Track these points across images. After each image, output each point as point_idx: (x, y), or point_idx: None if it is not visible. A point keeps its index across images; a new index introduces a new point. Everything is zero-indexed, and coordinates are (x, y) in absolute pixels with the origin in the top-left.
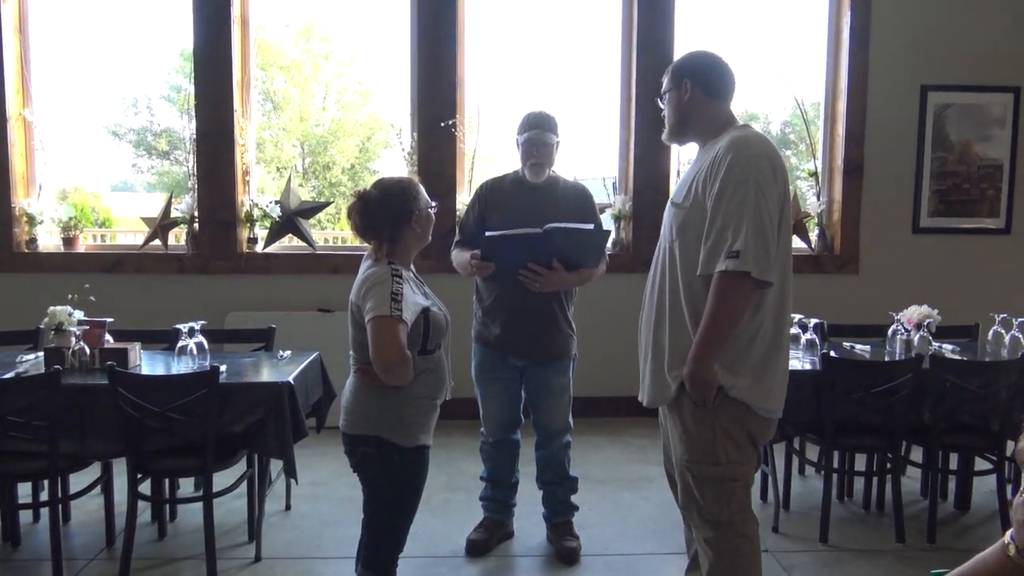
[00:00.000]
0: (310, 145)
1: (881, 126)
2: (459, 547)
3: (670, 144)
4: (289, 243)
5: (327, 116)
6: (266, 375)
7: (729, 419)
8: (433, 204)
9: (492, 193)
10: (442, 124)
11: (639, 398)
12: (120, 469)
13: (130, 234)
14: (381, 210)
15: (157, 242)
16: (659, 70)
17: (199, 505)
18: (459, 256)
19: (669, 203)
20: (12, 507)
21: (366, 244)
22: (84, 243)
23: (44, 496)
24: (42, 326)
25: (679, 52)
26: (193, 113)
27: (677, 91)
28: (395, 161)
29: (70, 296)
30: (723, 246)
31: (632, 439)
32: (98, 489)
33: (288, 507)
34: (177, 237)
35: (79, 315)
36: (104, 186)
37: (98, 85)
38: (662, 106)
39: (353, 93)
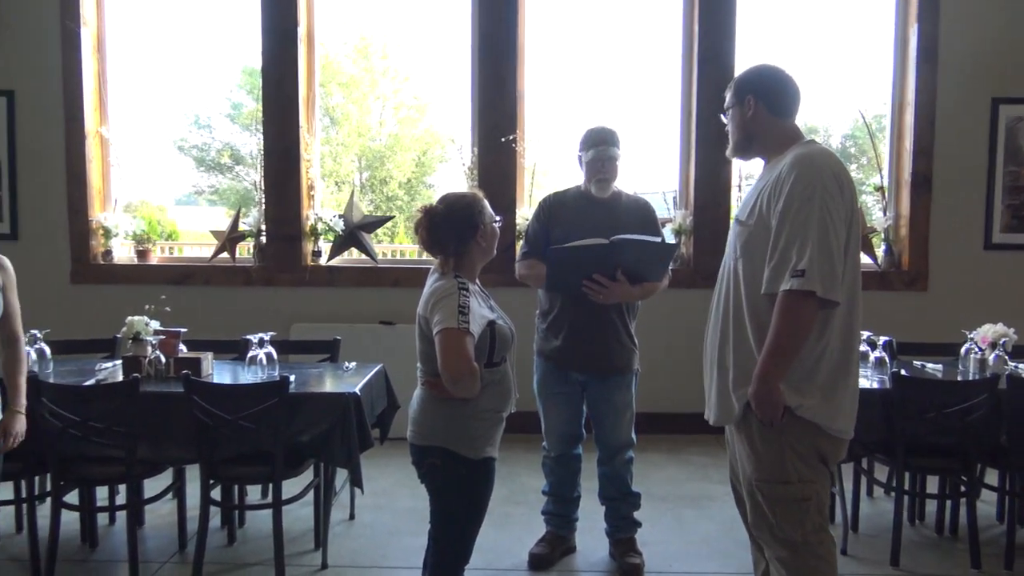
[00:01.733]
0: (367, 159)
1: (950, 139)
2: (521, 561)
3: (734, 159)
4: (351, 256)
5: (384, 131)
6: (333, 386)
7: (797, 438)
8: (498, 219)
9: (555, 207)
10: (503, 139)
11: (705, 416)
12: (191, 475)
13: (196, 247)
14: (447, 225)
15: (225, 255)
16: (720, 84)
17: (266, 512)
18: (527, 268)
19: (734, 220)
20: (91, 510)
21: (427, 258)
22: (155, 256)
23: (119, 500)
24: (119, 335)
25: (740, 66)
26: (260, 129)
27: (740, 107)
28: (451, 175)
29: (147, 307)
30: (787, 265)
31: (692, 457)
32: (169, 494)
33: (352, 516)
34: (242, 250)
35: (155, 325)
36: (169, 200)
37: (163, 101)
38: (725, 121)
39: (410, 108)
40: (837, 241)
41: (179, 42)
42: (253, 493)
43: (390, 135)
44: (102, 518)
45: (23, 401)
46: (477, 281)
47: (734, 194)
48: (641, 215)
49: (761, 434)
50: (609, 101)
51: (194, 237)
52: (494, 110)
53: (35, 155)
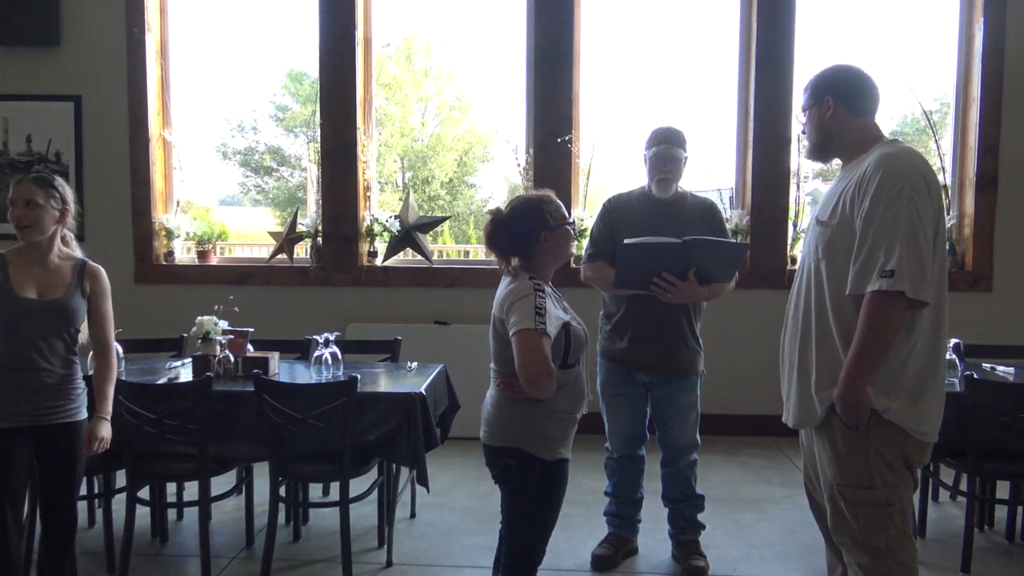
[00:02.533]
0: (410, 160)
1: (1017, 137)
2: (583, 561)
3: (813, 161)
4: (406, 257)
5: (426, 131)
6: (398, 386)
7: (883, 442)
8: (571, 221)
9: (620, 208)
10: (558, 140)
11: (783, 419)
12: (258, 472)
13: (247, 247)
14: (511, 227)
15: (283, 255)
16: (779, 84)
17: (327, 510)
18: (593, 271)
19: (813, 221)
20: (163, 505)
21: (480, 258)
22: (214, 257)
23: (186, 496)
24: (186, 335)
25: (799, 63)
26: (312, 131)
27: (819, 108)
28: (493, 175)
29: (216, 307)
30: (875, 265)
31: (749, 459)
32: (235, 492)
33: (413, 515)
34: (299, 251)
35: (223, 325)
36: (213, 200)
37: (209, 104)
38: (802, 122)
39: (452, 108)
40: (926, 241)
41: (225, 46)
42: (314, 491)
43: (432, 135)
44: (170, 514)
45: (110, 408)
46: (550, 283)
47: (792, 195)
48: (708, 217)
49: (845, 438)
50: (664, 101)
51: (238, 237)
52: (550, 111)
53: (101, 158)
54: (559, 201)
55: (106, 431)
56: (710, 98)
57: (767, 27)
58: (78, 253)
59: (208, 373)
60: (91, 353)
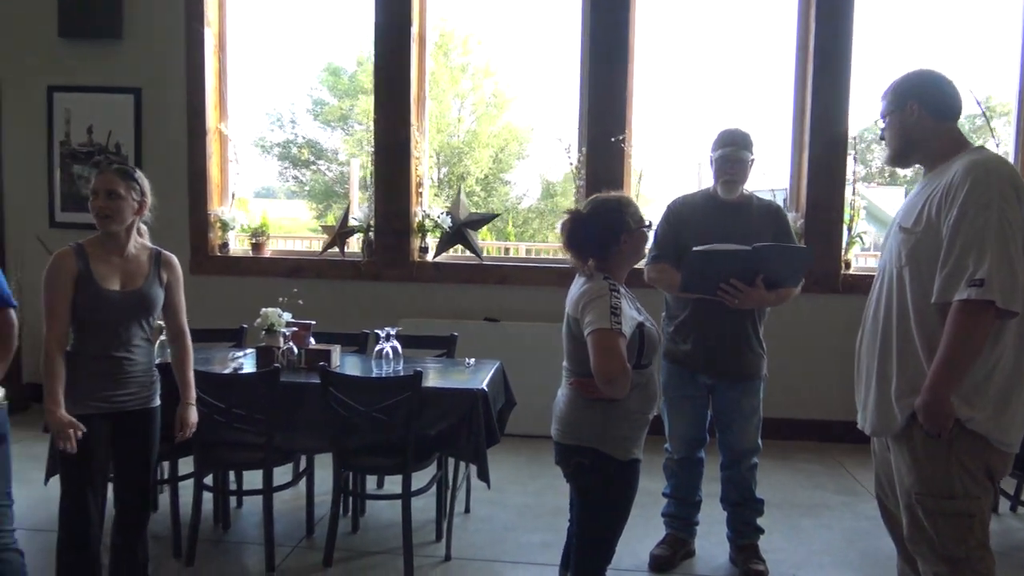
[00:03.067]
0: (445, 156)
1: None
2: (641, 561)
3: (893, 168)
4: (457, 253)
5: (462, 127)
6: (460, 382)
7: (966, 452)
8: (647, 223)
9: (683, 209)
10: (612, 139)
11: (859, 426)
12: (320, 462)
13: (290, 239)
14: (589, 227)
15: (335, 249)
16: (836, 85)
17: (382, 503)
18: (657, 272)
19: (895, 227)
20: (228, 493)
21: (532, 256)
22: (268, 249)
23: (245, 484)
24: (246, 326)
25: (857, 62)
26: (354, 126)
27: (901, 113)
28: (528, 173)
29: (280, 299)
30: (963, 273)
31: (804, 464)
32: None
33: (468, 510)
34: (351, 245)
35: (287, 317)
36: (248, 192)
37: (251, 96)
38: (881, 128)
39: (488, 105)
40: (1017, 249)
41: (267, 40)
42: (369, 483)
43: (468, 132)
44: (231, 501)
45: (193, 394)
46: (623, 284)
47: (847, 198)
48: (774, 220)
49: (926, 447)
50: (718, 100)
51: (274, 229)
52: (604, 109)
53: (159, 150)
54: (636, 203)
55: (195, 416)
56: (766, 98)
57: (825, 26)
58: (149, 243)
59: (277, 365)
60: (159, 340)
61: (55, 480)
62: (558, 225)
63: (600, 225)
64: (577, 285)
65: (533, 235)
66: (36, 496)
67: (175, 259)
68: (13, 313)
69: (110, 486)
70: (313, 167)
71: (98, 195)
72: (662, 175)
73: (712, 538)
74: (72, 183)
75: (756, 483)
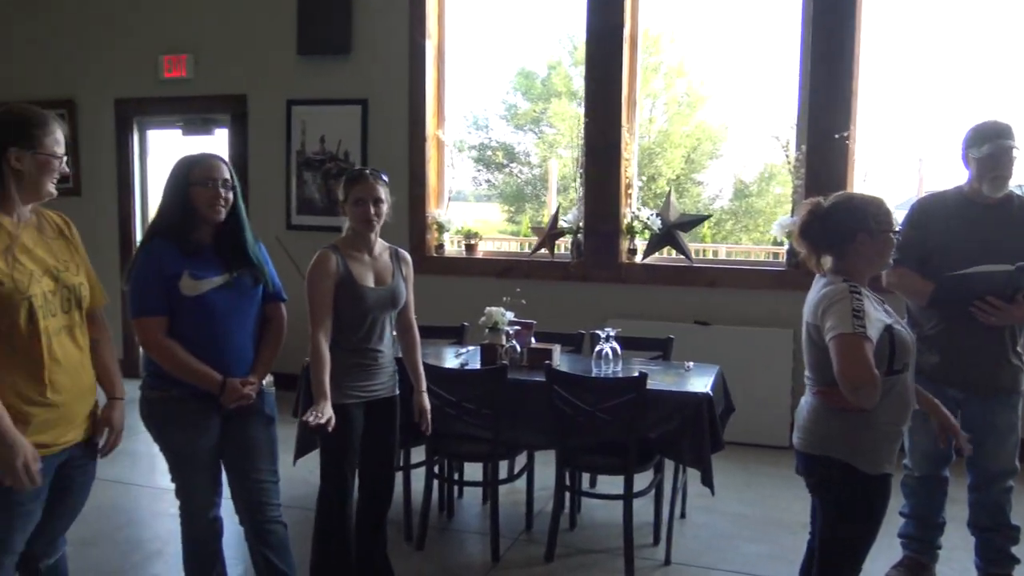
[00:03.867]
0: (637, 156)
1: None
2: None
3: None
4: (666, 255)
5: (653, 128)
6: (681, 385)
7: None
8: (896, 229)
9: (933, 210)
10: (836, 136)
11: None
12: (543, 459)
13: (493, 241)
14: (827, 221)
15: (544, 250)
16: None
17: (597, 502)
18: (899, 278)
19: None
20: (456, 483)
21: (742, 259)
22: (480, 250)
23: (466, 476)
24: (467, 323)
25: None
26: (544, 129)
27: None
28: (721, 173)
29: (504, 298)
30: None
31: None
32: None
33: (683, 515)
34: (560, 246)
35: (510, 316)
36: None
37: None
38: None
39: (681, 104)
40: None
41: (466, 44)
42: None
43: (659, 132)
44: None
45: (424, 383)
46: (867, 287)
47: None
48: None
49: None
50: (950, 97)
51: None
52: (825, 107)
53: (383, 157)
54: (890, 208)
55: (428, 403)
56: (1004, 92)
57: None
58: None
59: (504, 362)
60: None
61: (302, 461)
62: (795, 216)
63: (837, 220)
64: (815, 289)
65: (726, 236)
66: (283, 475)
67: (409, 256)
68: (283, 307)
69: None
70: (506, 170)
71: (365, 203)
72: (886, 173)
73: (954, 565)
74: (304, 188)
75: (1011, 507)
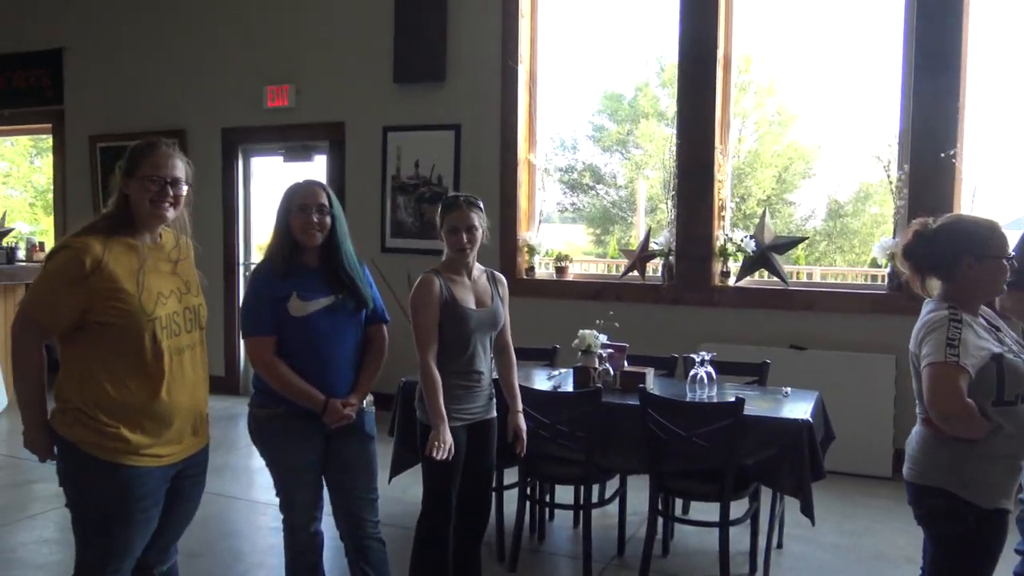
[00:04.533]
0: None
1: None
2: None
3: None
4: (760, 278)
5: (743, 147)
6: (780, 411)
7: None
8: (1010, 256)
9: None
10: (941, 155)
11: None
12: (634, 484)
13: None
14: (933, 244)
15: (635, 273)
16: None
17: (691, 528)
18: (1015, 303)
19: None
20: (549, 505)
21: (839, 281)
22: (571, 273)
23: (554, 499)
24: (558, 346)
25: None
26: (631, 151)
27: None
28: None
29: (597, 321)
30: None
31: None
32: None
33: (780, 545)
34: (651, 269)
35: (603, 339)
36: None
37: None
38: None
39: (772, 123)
40: None
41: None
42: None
43: (749, 152)
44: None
45: (520, 403)
46: (984, 312)
47: None
48: None
49: None
50: None
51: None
52: (930, 123)
53: (475, 180)
54: (1004, 233)
55: (524, 423)
56: None
57: None
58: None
59: (597, 384)
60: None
61: (397, 479)
62: (897, 237)
63: (943, 243)
64: (921, 315)
65: (820, 258)
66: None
67: (504, 278)
68: (385, 328)
69: None
70: (592, 191)
71: (459, 230)
72: (996, 191)
73: None
74: (398, 212)
75: None
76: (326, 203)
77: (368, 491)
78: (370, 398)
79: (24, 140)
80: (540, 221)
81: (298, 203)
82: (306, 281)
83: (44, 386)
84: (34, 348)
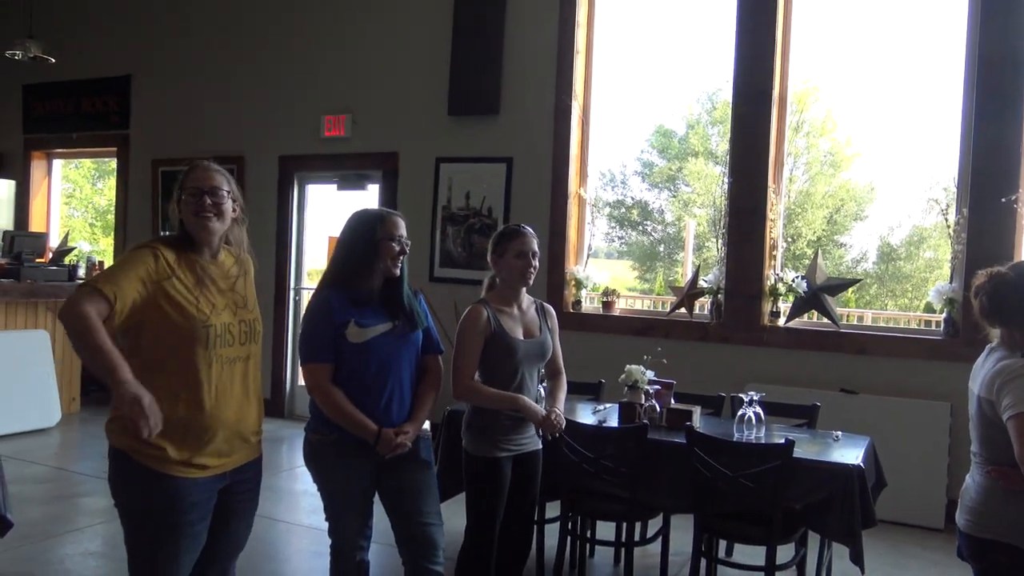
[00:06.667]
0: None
1: None
2: None
3: None
4: (811, 319)
5: (794, 187)
6: (830, 455)
7: None
8: None
9: None
10: (1003, 199)
11: None
12: (678, 523)
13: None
14: (1015, 294)
15: (683, 310)
16: None
17: (735, 572)
18: None
19: None
20: (584, 540)
21: (892, 325)
22: (617, 308)
23: (598, 535)
24: (604, 380)
25: None
26: (681, 187)
27: None
28: (866, 235)
29: (645, 357)
30: None
31: None
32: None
33: None
34: (697, 306)
35: (651, 375)
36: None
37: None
38: None
39: (824, 164)
40: None
41: (606, 100)
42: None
43: (800, 192)
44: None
45: (562, 405)
46: None
47: None
48: None
49: None
50: None
51: (598, 289)
52: (991, 165)
53: (525, 213)
54: None
55: (562, 415)
56: None
57: None
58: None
59: (643, 420)
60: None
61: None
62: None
63: (1009, 294)
64: (987, 362)
65: (870, 302)
66: None
67: (552, 309)
68: (440, 359)
69: None
70: (639, 228)
71: (527, 255)
72: None
73: None
74: (446, 242)
75: None
76: (404, 234)
77: (427, 515)
78: (427, 425)
79: (87, 163)
80: (588, 255)
81: (389, 232)
82: (366, 308)
83: (109, 337)
84: (89, 305)
